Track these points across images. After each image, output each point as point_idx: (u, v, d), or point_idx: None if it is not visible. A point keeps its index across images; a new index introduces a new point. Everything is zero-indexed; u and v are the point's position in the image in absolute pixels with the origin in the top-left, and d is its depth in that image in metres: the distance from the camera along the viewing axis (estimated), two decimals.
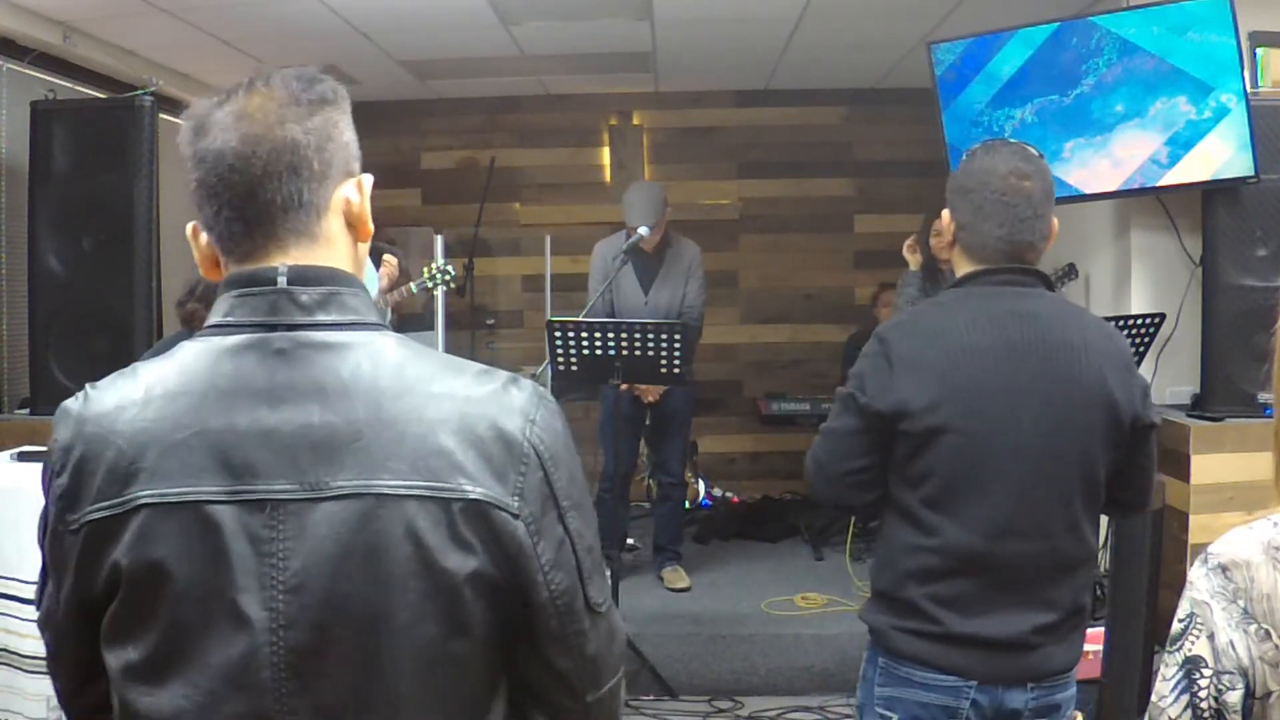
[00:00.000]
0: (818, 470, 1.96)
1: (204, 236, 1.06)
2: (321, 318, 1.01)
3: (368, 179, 1.10)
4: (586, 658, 1.06)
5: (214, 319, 1.04)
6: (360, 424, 0.97)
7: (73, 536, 1.01)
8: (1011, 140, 2.02)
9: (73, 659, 1.08)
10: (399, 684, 0.97)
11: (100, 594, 1.01)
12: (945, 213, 1.99)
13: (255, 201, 1.02)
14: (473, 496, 0.98)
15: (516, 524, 0.99)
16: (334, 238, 1.06)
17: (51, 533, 1.04)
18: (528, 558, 1.00)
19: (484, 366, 1.06)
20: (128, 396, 1.02)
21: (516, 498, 1.00)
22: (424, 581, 0.96)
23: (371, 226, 1.11)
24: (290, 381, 0.99)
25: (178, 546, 0.97)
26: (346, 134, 1.08)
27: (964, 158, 2.00)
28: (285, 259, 1.03)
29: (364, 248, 1.12)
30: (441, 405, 1.00)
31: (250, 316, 1.02)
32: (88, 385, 1.06)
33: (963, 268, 1.96)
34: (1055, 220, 1.96)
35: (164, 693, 0.98)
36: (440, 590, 0.97)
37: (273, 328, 1.01)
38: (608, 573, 1.14)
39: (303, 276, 1.02)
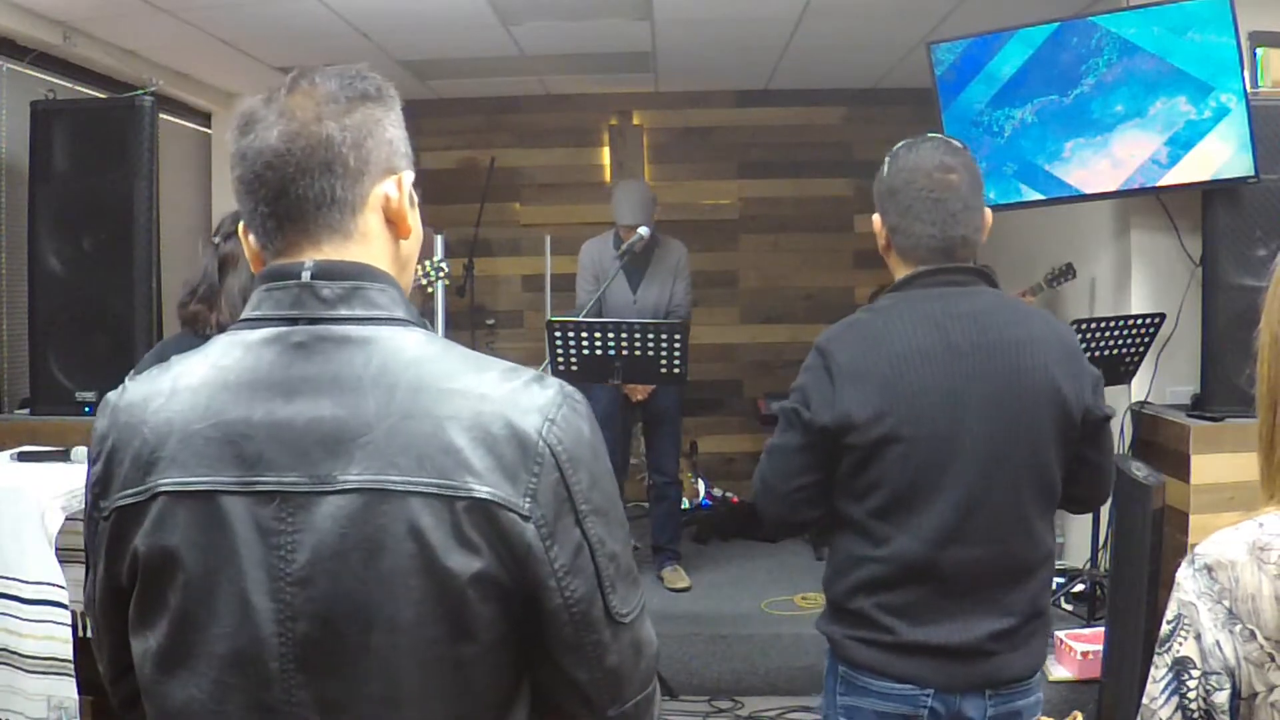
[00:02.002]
0: (765, 489, 1.90)
1: (251, 235, 1.07)
2: (343, 312, 1.01)
3: (408, 176, 1.10)
4: (606, 669, 1.03)
5: (245, 313, 1.05)
6: (370, 419, 0.97)
7: (104, 523, 1.04)
8: (934, 135, 1.96)
9: (110, 646, 1.10)
10: (403, 683, 0.96)
11: (126, 581, 1.03)
12: (875, 217, 1.93)
13: (287, 198, 1.03)
14: (479, 496, 0.95)
15: (526, 526, 0.96)
16: (370, 235, 1.06)
17: (88, 519, 1.08)
18: (538, 561, 0.97)
19: (512, 364, 1.04)
20: (157, 388, 1.04)
21: (528, 499, 0.97)
22: (426, 580, 0.94)
23: (414, 224, 1.10)
24: (305, 375, 0.99)
25: (190, 534, 0.98)
26: (390, 131, 1.08)
27: (887, 159, 1.94)
28: (317, 255, 1.04)
29: (409, 245, 1.11)
30: (455, 402, 0.98)
31: (275, 310, 1.02)
32: (128, 377, 1.10)
33: (899, 271, 1.91)
34: (989, 212, 1.91)
35: (176, 682, 0.99)
36: (443, 590, 0.95)
37: (294, 321, 1.01)
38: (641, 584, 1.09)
39: (327, 271, 1.02)
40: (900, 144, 1.94)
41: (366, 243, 1.06)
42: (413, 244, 1.12)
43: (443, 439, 0.96)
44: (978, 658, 1.80)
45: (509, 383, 1.01)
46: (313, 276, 1.02)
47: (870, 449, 1.78)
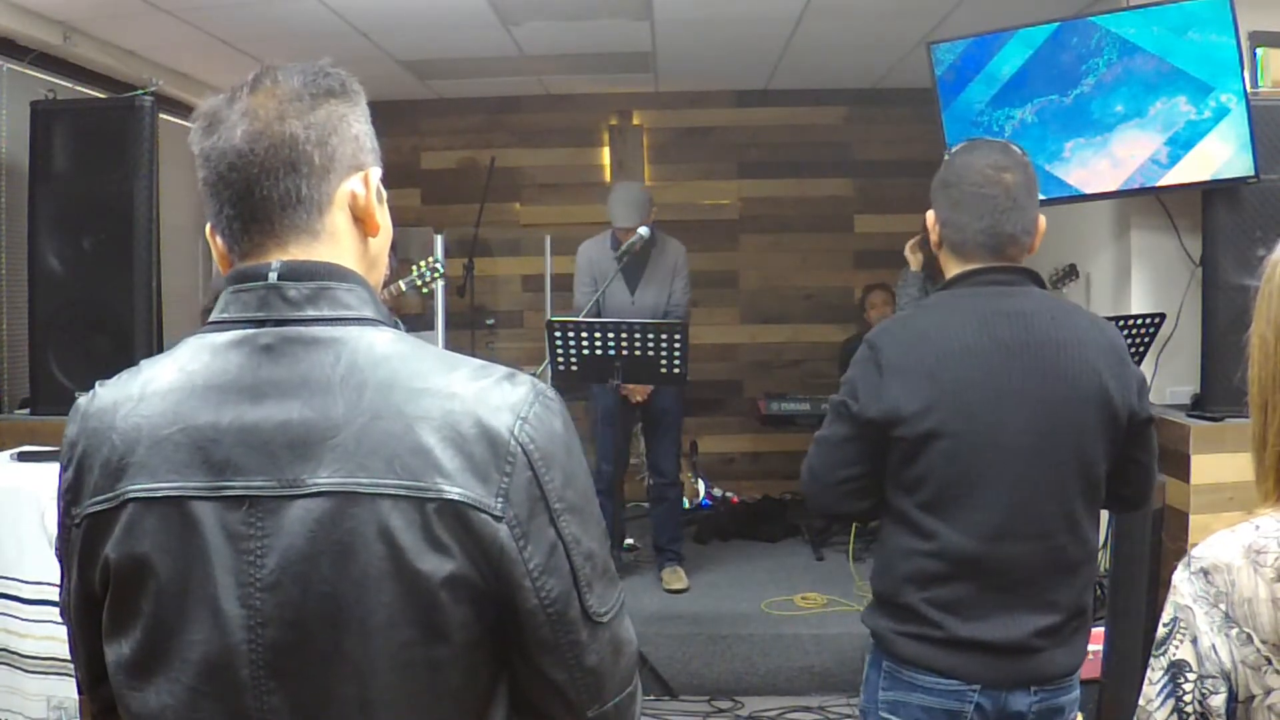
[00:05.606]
0: (812, 479, 1.95)
1: (218, 236, 1.06)
2: (310, 313, 1.00)
3: (375, 172, 1.08)
4: (585, 669, 1.02)
5: (213, 316, 1.04)
6: (339, 420, 0.95)
7: (76, 530, 1.02)
8: (996, 139, 2.01)
9: (85, 653, 1.09)
10: (376, 686, 0.95)
11: (98, 588, 1.01)
12: (929, 213, 1.98)
13: (252, 199, 1.01)
14: (449, 497, 0.94)
15: (499, 526, 0.95)
16: (338, 233, 1.04)
17: (60, 527, 1.06)
18: (512, 562, 0.96)
19: (484, 362, 1.03)
20: (126, 393, 1.03)
21: (500, 499, 0.96)
22: (398, 583, 0.93)
23: (382, 221, 1.08)
24: (273, 377, 0.98)
25: (160, 541, 0.96)
26: (355, 127, 1.06)
27: (946, 156, 2.00)
28: (284, 255, 1.02)
29: (378, 243, 1.09)
30: (425, 402, 0.96)
31: (241, 313, 1.01)
32: (98, 383, 1.07)
33: (950, 269, 1.95)
34: (1042, 219, 1.94)
35: (150, 689, 0.98)
36: (416, 593, 0.94)
37: (261, 323, 1.00)
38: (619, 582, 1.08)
39: (294, 272, 1.01)
40: (961, 143, 2.00)
41: (334, 242, 1.04)
42: (382, 241, 1.10)
43: (412, 439, 0.95)
44: (1024, 654, 1.82)
45: (479, 381, 0.99)
46: (279, 277, 1.00)
47: (917, 442, 1.81)
